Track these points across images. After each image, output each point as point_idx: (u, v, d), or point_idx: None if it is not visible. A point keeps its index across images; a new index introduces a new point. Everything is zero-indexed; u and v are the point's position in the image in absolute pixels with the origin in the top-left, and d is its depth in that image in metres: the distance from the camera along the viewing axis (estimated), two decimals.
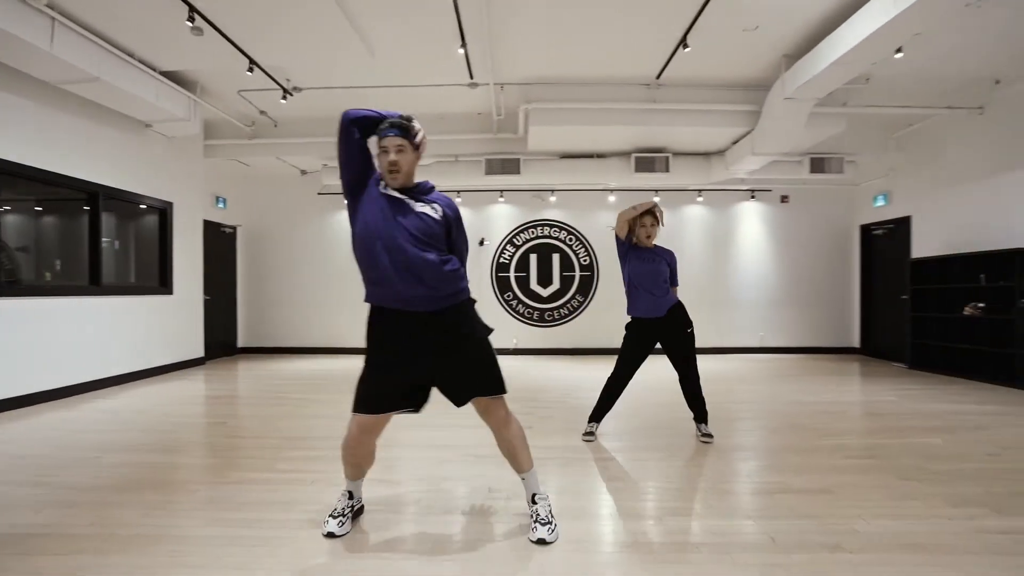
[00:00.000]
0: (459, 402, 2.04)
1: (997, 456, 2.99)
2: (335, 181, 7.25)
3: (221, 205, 7.55)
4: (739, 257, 8.28)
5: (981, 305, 5.55)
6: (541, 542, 1.93)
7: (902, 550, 1.88)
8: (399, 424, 3.60)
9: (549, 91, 5.90)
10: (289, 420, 3.95)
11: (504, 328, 8.31)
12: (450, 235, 2.05)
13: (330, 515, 2.06)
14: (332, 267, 8.30)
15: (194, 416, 4.15)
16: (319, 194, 8.21)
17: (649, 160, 7.01)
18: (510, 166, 7.08)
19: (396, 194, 1.99)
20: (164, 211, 6.13)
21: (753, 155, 6.08)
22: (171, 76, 5.31)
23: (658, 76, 5.66)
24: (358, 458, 2.08)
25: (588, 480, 2.64)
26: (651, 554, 1.86)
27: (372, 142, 2.06)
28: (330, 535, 1.99)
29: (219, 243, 7.54)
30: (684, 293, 8.31)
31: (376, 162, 2.05)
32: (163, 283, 6.12)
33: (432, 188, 2.11)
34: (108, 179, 5.29)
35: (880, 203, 7.46)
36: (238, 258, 8.09)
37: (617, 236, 3.44)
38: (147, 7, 4.07)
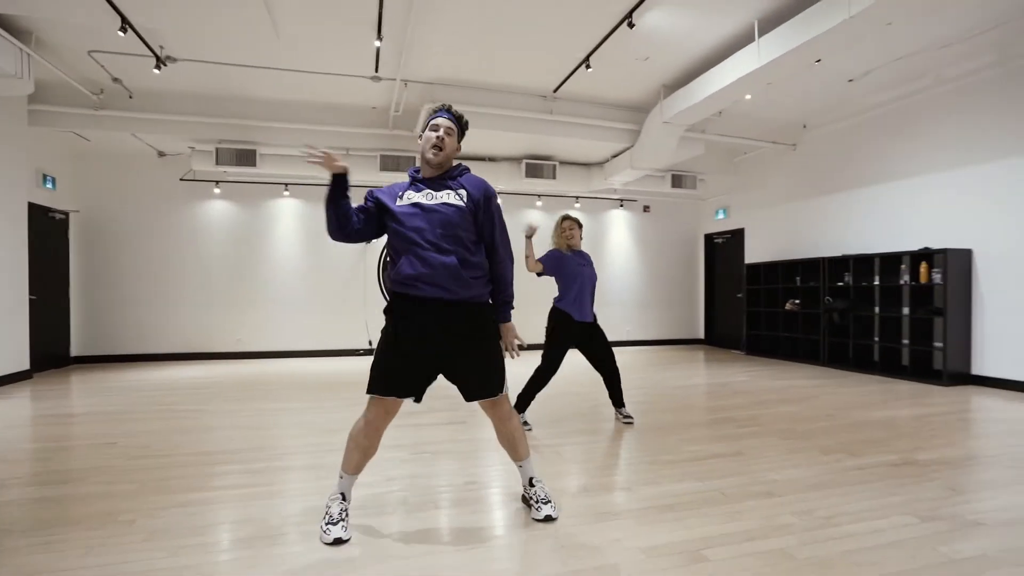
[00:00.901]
0: (468, 398, 2.11)
1: (833, 416, 3.89)
2: (205, 167, 6.47)
3: (49, 185, 6.24)
4: (610, 260, 9.20)
5: (797, 302, 6.99)
6: (548, 519, 2.10)
7: (810, 489, 2.43)
8: (332, 429, 3.45)
9: (453, 93, 6.00)
10: (190, 435, 3.52)
11: None
12: (477, 218, 2.06)
13: (328, 522, 1.98)
14: (198, 262, 7.37)
15: (65, 439, 3.47)
16: (182, 180, 7.22)
17: (538, 167, 7.48)
18: (406, 164, 7.00)
19: (420, 198, 2.02)
20: None
21: (632, 168, 6.87)
22: None
23: (556, 90, 6.11)
24: (364, 448, 2.03)
25: (547, 466, 2.86)
26: (641, 518, 2.15)
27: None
28: (337, 541, 1.93)
29: (47, 231, 6.22)
30: (544, 295, 8.99)
31: (422, 139, 2.11)
32: None
33: (465, 171, 2.16)
34: None
35: (720, 216, 8.90)
36: (72, 250, 6.75)
37: (539, 272, 3.71)
38: None
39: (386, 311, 2.08)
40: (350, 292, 8.03)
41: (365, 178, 7.20)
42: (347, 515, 2.03)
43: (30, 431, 3.62)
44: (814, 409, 4.15)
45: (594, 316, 3.80)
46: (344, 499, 2.05)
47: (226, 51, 5.06)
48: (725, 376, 5.95)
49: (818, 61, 4.96)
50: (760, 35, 4.50)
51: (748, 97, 5.84)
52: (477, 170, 7.53)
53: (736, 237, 8.61)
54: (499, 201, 2.18)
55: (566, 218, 3.84)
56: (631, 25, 4.43)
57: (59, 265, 6.51)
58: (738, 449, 3.08)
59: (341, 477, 2.06)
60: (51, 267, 6.31)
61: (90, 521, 2.18)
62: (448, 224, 1.99)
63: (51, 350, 6.29)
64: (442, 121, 2.10)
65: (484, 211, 2.07)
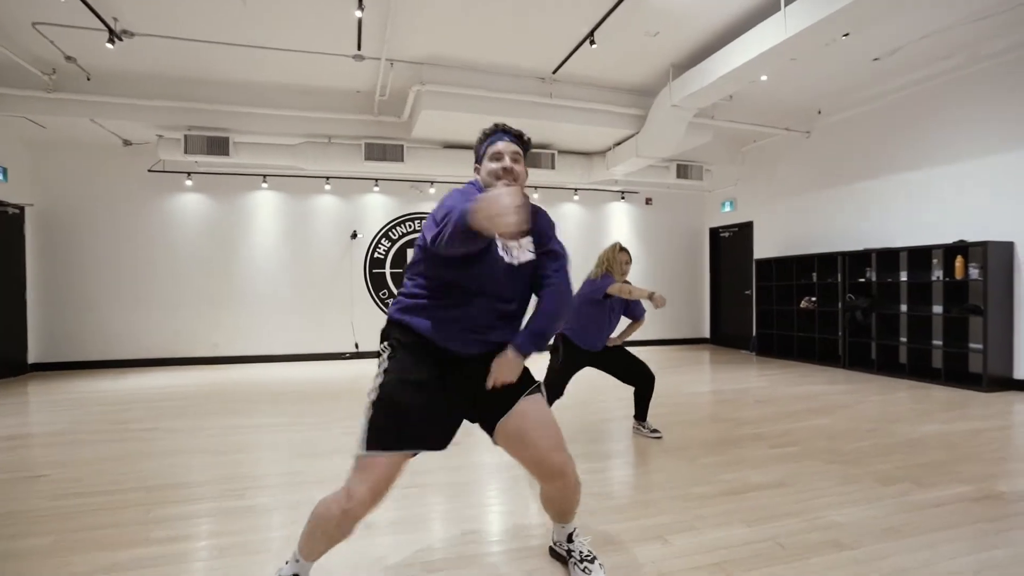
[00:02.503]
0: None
1: (876, 431, 3.44)
2: (174, 156, 5.93)
3: (1, 178, 5.68)
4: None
5: (814, 299, 6.55)
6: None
7: (884, 537, 1.98)
8: (315, 452, 2.94)
9: (443, 74, 5.50)
10: (140, 462, 3.02)
11: (379, 328, 7.65)
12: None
13: None
14: (169, 259, 6.83)
15: None
16: (151, 171, 6.66)
17: (536, 156, 6.99)
18: (393, 152, 6.50)
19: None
20: None
21: (637, 156, 6.39)
22: None
23: (555, 71, 5.61)
24: (336, 539, 1.48)
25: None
26: None
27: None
28: None
29: (0, 227, 5.67)
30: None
31: (481, 172, 1.68)
32: None
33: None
34: None
35: (727, 209, 8.46)
36: (27, 247, 6.19)
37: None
38: None
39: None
40: (335, 290, 7.52)
41: (348, 168, 6.70)
42: None
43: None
44: (851, 421, 3.70)
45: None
46: None
47: (189, 25, 4.52)
48: (739, 380, 5.50)
49: (846, 35, 4.50)
50: (786, 2, 4.03)
51: (764, 78, 5.38)
52: (469, 160, 7.02)
53: (744, 231, 8.17)
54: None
55: (623, 250, 3.48)
56: None
57: (13, 265, 5.95)
58: (781, 478, 2.61)
59: (297, 560, 1.54)
60: (4, 267, 5.75)
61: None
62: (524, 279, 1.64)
63: (5, 357, 5.74)
64: (504, 146, 1.63)
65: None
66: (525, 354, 1.56)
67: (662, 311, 8.88)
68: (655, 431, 3.38)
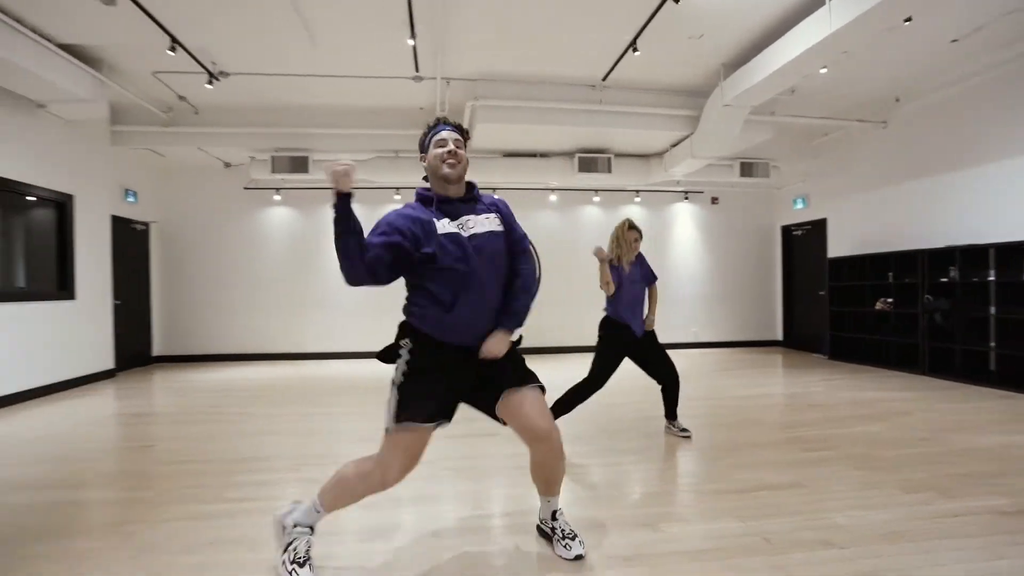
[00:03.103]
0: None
1: (928, 440, 3.27)
2: (264, 175, 6.73)
3: (131, 199, 6.76)
4: (674, 256, 8.62)
5: (890, 300, 6.13)
6: (579, 558, 1.87)
7: (882, 540, 1.98)
8: (365, 437, 3.35)
9: (497, 88, 5.81)
10: (230, 440, 3.58)
11: None
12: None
13: (293, 561, 1.76)
14: (261, 267, 7.72)
15: (112, 440, 3.66)
16: (246, 188, 7.58)
17: (592, 160, 7.11)
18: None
19: (454, 227, 1.81)
20: (63, 205, 5.38)
21: (692, 158, 6.33)
22: (71, 50, 4.65)
23: (604, 78, 5.73)
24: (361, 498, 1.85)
25: (568, 489, 2.58)
26: (659, 566, 1.83)
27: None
28: None
29: (129, 241, 6.74)
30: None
31: (428, 159, 1.92)
32: (63, 287, 5.37)
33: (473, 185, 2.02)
34: None
35: (799, 206, 8.06)
36: (152, 258, 7.30)
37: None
38: None
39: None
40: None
41: (411, 180, 7.21)
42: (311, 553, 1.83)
43: (87, 431, 3.85)
44: (904, 430, 3.53)
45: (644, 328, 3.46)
46: (312, 532, 1.85)
47: (271, 62, 5.18)
48: (801, 384, 5.31)
49: (908, 20, 4.25)
50: None
51: (823, 71, 5.16)
52: (528, 167, 7.29)
53: (817, 228, 7.75)
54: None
55: (632, 227, 3.50)
56: (676, 0, 4.01)
57: (141, 272, 7.05)
58: (798, 479, 2.63)
59: (318, 511, 1.82)
60: (134, 274, 6.84)
61: (95, 531, 2.20)
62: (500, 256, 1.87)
63: (135, 350, 6.83)
64: (447, 134, 1.89)
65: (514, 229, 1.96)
66: (509, 330, 1.82)
67: (731, 314, 8.63)
68: (684, 430, 3.44)
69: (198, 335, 7.62)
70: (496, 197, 2.03)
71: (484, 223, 1.85)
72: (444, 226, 1.78)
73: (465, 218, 1.83)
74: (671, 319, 8.52)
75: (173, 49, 4.42)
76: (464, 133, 1.95)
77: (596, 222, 8.42)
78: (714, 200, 8.66)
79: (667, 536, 2.06)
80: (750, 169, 7.48)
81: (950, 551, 1.90)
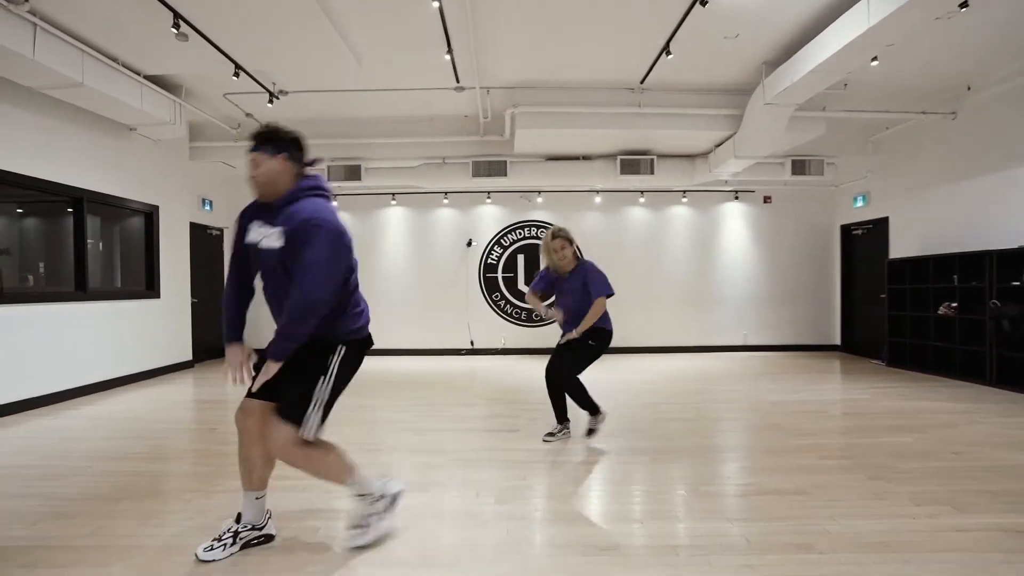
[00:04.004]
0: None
1: (961, 454, 3.13)
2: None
3: (207, 208, 7.51)
4: (723, 257, 8.42)
5: (954, 305, 5.73)
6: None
7: (867, 549, 1.99)
8: (405, 428, 3.67)
9: (535, 95, 5.97)
10: None
11: (492, 328, 8.39)
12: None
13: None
14: None
15: (184, 422, 4.18)
16: None
17: (634, 162, 7.11)
18: (496, 168, 7.13)
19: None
20: (150, 215, 6.10)
21: (735, 158, 6.20)
22: (155, 80, 5.28)
23: (642, 81, 5.75)
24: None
25: (574, 483, 2.72)
26: (632, 557, 1.95)
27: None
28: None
29: (206, 245, 7.50)
30: (669, 293, 8.41)
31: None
32: (150, 287, 6.10)
33: (302, 197, 1.92)
34: (93, 183, 5.26)
35: (859, 204, 7.65)
36: (225, 260, 8.05)
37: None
38: (133, 14, 4.04)
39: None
40: (454, 293, 8.41)
41: (458, 184, 7.52)
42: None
43: (164, 414, 4.40)
44: (939, 443, 3.37)
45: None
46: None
47: (323, 80, 5.61)
48: (846, 391, 5.11)
49: (964, 6, 4.00)
50: None
51: (874, 63, 4.93)
52: (571, 170, 7.40)
53: (879, 228, 7.32)
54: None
55: (557, 235, 3.43)
56: (703, 3, 4.00)
57: (216, 273, 7.81)
58: (804, 486, 2.63)
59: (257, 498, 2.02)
60: (210, 275, 7.59)
61: (160, 495, 2.59)
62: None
63: (210, 344, 7.57)
64: (250, 155, 1.93)
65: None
66: (275, 359, 1.83)
67: (785, 317, 8.32)
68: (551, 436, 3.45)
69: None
70: (310, 211, 1.85)
71: (270, 237, 1.86)
72: (252, 232, 1.94)
73: (263, 227, 1.90)
74: (720, 321, 8.35)
75: (237, 74, 4.92)
76: (260, 142, 1.93)
77: (642, 223, 8.39)
78: (766, 199, 8.37)
79: (649, 531, 2.16)
80: (803, 167, 7.19)
81: (934, 564, 1.88)
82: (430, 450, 3.31)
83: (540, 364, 6.94)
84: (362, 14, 4.32)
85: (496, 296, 8.47)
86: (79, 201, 5.12)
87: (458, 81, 5.70)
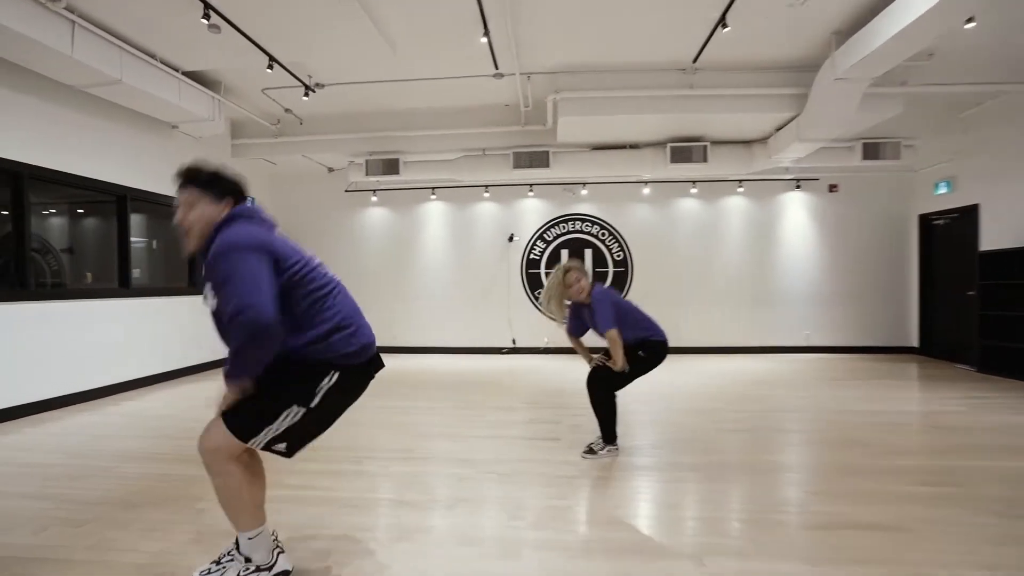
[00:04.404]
0: None
1: None
2: (361, 177, 7.15)
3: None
4: (783, 251, 7.78)
5: None
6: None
7: None
8: (433, 434, 3.43)
9: (578, 80, 5.61)
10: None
11: (535, 327, 8.08)
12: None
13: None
14: (359, 264, 8.24)
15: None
16: (346, 191, 8.14)
17: (686, 150, 6.63)
18: (539, 159, 6.82)
19: None
20: None
21: (799, 142, 5.63)
22: (194, 76, 5.27)
23: (695, 60, 5.29)
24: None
25: (619, 506, 2.38)
26: None
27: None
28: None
29: None
30: (724, 289, 7.84)
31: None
32: (192, 283, 6.14)
33: (222, 227, 1.71)
34: (135, 181, 5.31)
35: (942, 190, 6.85)
36: None
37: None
38: (166, 7, 3.98)
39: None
40: (495, 290, 8.16)
41: (499, 177, 7.25)
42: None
43: (202, 413, 4.33)
44: None
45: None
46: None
47: (359, 72, 5.46)
48: (930, 401, 4.50)
49: None
50: None
51: (969, 25, 4.29)
52: (619, 159, 6.98)
53: (966, 217, 6.52)
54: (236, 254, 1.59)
55: (569, 271, 3.19)
56: None
57: None
58: (901, 520, 2.18)
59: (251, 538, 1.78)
60: None
61: (175, 504, 2.44)
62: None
63: None
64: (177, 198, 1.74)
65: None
66: (227, 381, 1.63)
67: (854, 316, 7.61)
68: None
69: None
70: (217, 244, 1.63)
71: (210, 301, 1.65)
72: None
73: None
74: (779, 320, 7.73)
75: (271, 67, 4.82)
76: (197, 181, 1.76)
77: (694, 215, 7.87)
78: (832, 188, 7.67)
79: (710, 572, 1.80)
80: (875, 150, 6.50)
81: None
82: (462, 459, 3.04)
83: (584, 366, 6.42)
84: (398, 4, 4.10)
85: (539, 293, 8.15)
86: (123, 199, 5.17)
87: (497, 68, 5.42)
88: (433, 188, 8.07)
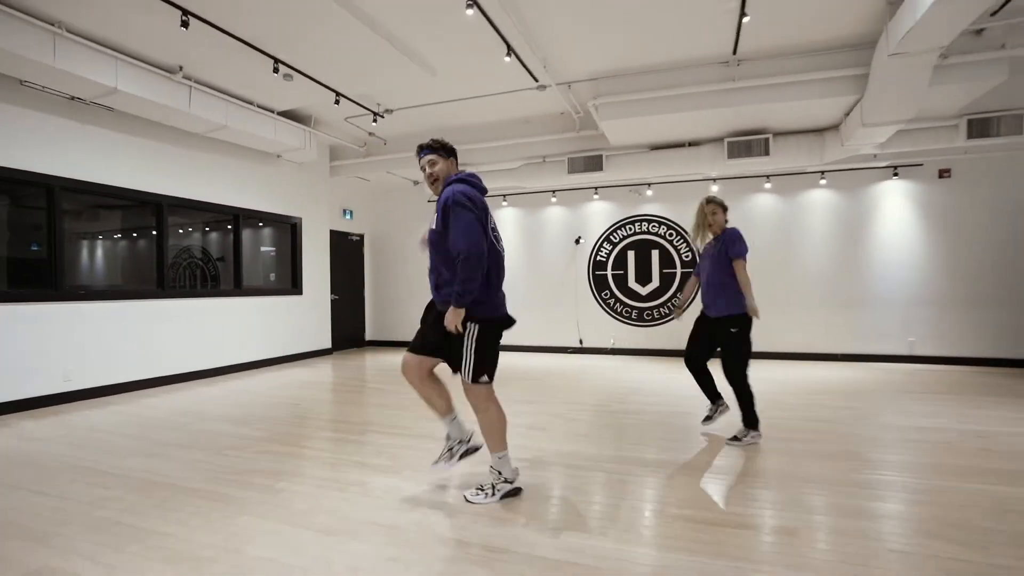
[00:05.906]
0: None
1: None
2: None
3: (348, 216, 8.75)
4: (880, 247, 6.94)
5: None
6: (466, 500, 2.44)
7: None
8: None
9: (619, 83, 5.71)
10: (359, 408, 4.54)
11: (602, 327, 8.18)
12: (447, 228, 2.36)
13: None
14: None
15: (291, 397, 4.99)
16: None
17: (743, 144, 6.31)
18: (592, 163, 6.97)
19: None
20: (295, 226, 7.39)
21: (863, 127, 5.11)
22: (289, 114, 6.39)
23: (734, 51, 5.10)
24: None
25: (669, 545, 2.55)
26: None
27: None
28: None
29: (348, 250, 8.75)
30: (809, 291, 7.24)
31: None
32: (294, 285, 7.37)
33: (450, 183, 2.50)
34: (248, 203, 6.59)
35: None
36: (366, 262, 9.29)
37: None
38: (257, 65, 4.96)
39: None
40: (563, 291, 8.42)
41: (560, 182, 7.52)
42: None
43: (291, 393, 5.31)
44: None
45: (721, 312, 3.44)
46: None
47: (415, 95, 6.15)
48: None
49: None
50: None
51: None
52: (678, 158, 6.85)
53: None
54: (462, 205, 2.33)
55: (710, 202, 3.76)
56: None
57: (357, 274, 9.05)
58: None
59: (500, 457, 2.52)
60: (351, 275, 8.84)
61: (245, 484, 2.97)
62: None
63: (349, 335, 8.81)
64: (421, 161, 2.59)
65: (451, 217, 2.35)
66: (454, 305, 2.32)
67: (968, 323, 6.55)
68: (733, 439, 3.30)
69: (401, 324, 9.36)
70: (447, 192, 2.43)
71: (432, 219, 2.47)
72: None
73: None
74: (877, 325, 6.91)
75: (337, 101, 5.72)
76: (435, 148, 2.59)
77: (770, 211, 7.38)
78: (942, 173, 6.66)
79: None
80: (986, 127, 5.57)
81: None
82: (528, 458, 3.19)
83: (651, 365, 6.72)
84: (425, 35, 4.65)
85: (605, 294, 8.24)
86: (236, 217, 6.47)
87: (536, 80, 5.74)
88: (504, 195, 8.58)
